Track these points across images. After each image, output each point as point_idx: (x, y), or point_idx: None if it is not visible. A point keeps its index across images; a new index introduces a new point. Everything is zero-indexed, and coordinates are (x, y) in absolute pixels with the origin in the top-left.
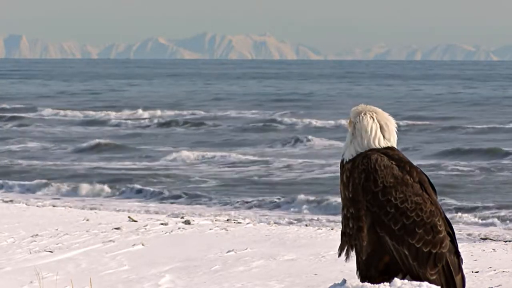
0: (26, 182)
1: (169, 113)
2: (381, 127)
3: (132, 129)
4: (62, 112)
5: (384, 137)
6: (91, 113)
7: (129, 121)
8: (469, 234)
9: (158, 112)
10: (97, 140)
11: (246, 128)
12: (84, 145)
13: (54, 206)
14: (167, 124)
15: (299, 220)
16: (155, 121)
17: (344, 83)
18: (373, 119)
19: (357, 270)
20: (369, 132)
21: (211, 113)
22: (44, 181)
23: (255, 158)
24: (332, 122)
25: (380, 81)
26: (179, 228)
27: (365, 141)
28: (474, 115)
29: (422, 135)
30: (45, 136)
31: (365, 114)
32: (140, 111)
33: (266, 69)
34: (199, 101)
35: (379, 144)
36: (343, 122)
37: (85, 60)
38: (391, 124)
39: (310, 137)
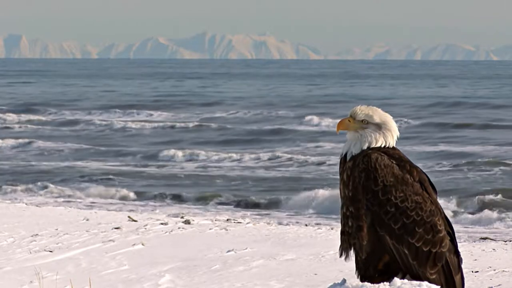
0: None
1: None
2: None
3: None
4: None
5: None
6: None
7: None
8: (469, 234)
9: None
10: None
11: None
12: None
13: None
14: None
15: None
16: None
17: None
18: (387, 119)
19: (356, 269)
20: (383, 132)
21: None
22: None
23: None
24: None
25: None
26: (179, 228)
27: (377, 140)
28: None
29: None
30: None
31: (379, 114)
32: None
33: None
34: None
35: (389, 143)
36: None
37: (69, 60)
38: (394, 124)
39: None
